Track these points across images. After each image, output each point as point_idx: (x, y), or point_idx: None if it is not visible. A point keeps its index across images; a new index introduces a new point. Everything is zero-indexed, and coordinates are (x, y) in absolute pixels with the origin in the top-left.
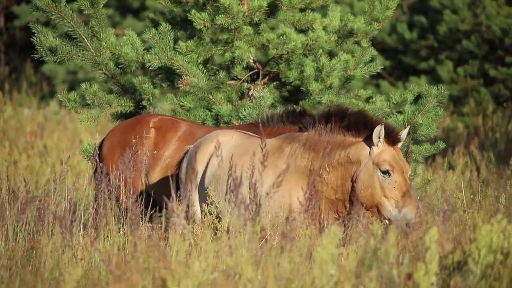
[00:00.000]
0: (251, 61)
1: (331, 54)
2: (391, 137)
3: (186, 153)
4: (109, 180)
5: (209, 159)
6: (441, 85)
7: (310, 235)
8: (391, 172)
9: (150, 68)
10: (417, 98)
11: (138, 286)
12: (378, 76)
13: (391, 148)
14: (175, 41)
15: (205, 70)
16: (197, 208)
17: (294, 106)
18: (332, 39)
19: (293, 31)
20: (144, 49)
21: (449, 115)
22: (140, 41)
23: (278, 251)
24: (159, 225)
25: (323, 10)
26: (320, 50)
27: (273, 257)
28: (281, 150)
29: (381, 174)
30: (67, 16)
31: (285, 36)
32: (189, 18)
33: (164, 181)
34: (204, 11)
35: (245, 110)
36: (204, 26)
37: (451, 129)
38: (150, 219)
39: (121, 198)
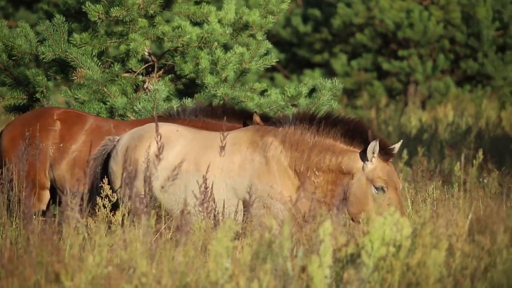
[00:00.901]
0: (146, 53)
1: (226, 47)
2: (385, 153)
3: (104, 145)
4: (1, 173)
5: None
6: (335, 78)
7: (205, 228)
8: (385, 188)
9: (44, 60)
10: (312, 91)
11: (30, 281)
12: (273, 69)
13: (385, 164)
14: (70, 33)
15: (99, 63)
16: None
17: (210, 99)
18: (227, 32)
19: (188, 24)
20: (38, 41)
21: (343, 108)
22: (33, 33)
23: (173, 245)
24: (53, 219)
25: (219, 3)
26: (215, 43)
27: (167, 250)
28: (255, 144)
29: (375, 190)
30: None
31: (180, 28)
32: (83, 10)
33: (71, 174)
34: (98, 3)
35: (139, 103)
36: (99, 18)
37: None
38: (43, 213)
39: (13, 191)
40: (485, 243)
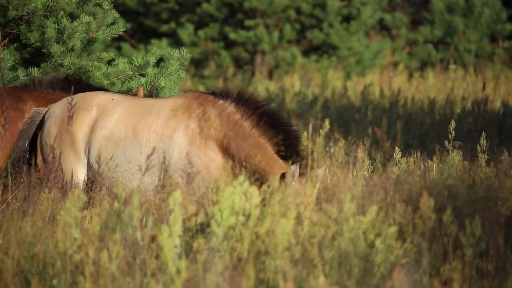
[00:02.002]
0: None
1: (73, 16)
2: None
3: (31, 117)
4: None
5: (94, 124)
6: (182, 48)
7: (53, 198)
8: None
9: None
10: (160, 61)
11: None
12: (120, 38)
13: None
14: None
15: None
16: (80, 176)
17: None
18: (73, 0)
19: None
20: None
21: (190, 78)
22: None
23: (20, 215)
24: None
25: None
26: (62, 12)
27: (15, 221)
28: (191, 110)
29: None
30: None
31: None
32: None
33: None
34: None
35: None
36: None
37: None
38: None
39: None
40: (332, 212)
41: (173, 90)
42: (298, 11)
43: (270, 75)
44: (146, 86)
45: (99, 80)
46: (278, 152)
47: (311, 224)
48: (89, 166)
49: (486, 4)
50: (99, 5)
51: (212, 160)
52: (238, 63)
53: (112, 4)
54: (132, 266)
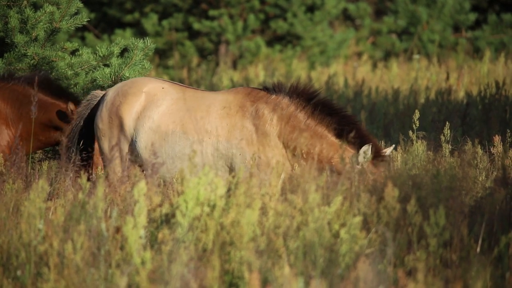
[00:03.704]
0: None
1: (36, 6)
2: (377, 158)
3: (89, 99)
4: None
5: (141, 111)
6: (146, 38)
7: (17, 189)
8: None
9: None
10: (124, 51)
11: None
12: (83, 28)
13: (376, 170)
14: None
15: None
16: (117, 161)
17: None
18: None
19: None
20: None
21: (155, 68)
22: None
23: None
24: None
25: None
26: (25, 2)
27: None
28: (245, 109)
29: None
30: None
31: None
32: None
33: None
34: None
35: None
36: None
37: None
38: None
39: None
40: (297, 202)
41: None
42: (262, 1)
43: (234, 65)
44: (110, 76)
45: (63, 70)
46: (338, 138)
47: (276, 215)
48: (136, 152)
49: None
50: None
51: (271, 157)
52: (202, 53)
53: None
54: (97, 257)
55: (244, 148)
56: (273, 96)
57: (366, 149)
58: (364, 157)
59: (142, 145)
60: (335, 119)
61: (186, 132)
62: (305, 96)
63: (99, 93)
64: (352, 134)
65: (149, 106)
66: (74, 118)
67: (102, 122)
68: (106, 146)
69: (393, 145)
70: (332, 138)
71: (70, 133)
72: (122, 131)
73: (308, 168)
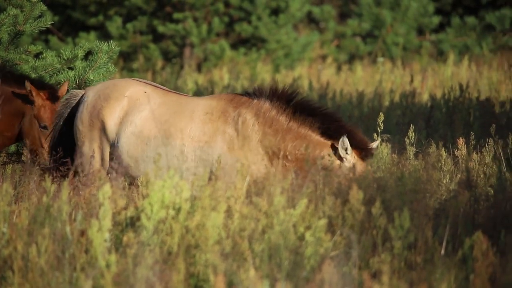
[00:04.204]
0: None
1: (0, 9)
2: (364, 153)
3: (67, 98)
4: None
5: (124, 116)
6: (111, 41)
7: None
8: None
9: None
10: (88, 54)
11: None
12: (47, 31)
13: (364, 163)
14: None
15: None
16: (97, 165)
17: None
18: None
19: None
20: None
21: (119, 71)
22: None
23: None
24: None
25: None
26: None
27: None
28: (227, 114)
29: None
30: None
31: None
32: None
33: None
34: None
35: None
36: None
37: None
38: None
39: None
40: (262, 205)
41: None
42: (227, 4)
43: (199, 68)
44: (74, 80)
45: (27, 73)
46: (322, 136)
47: (241, 218)
48: (117, 156)
49: None
50: None
51: (253, 162)
52: (167, 56)
53: None
54: (61, 261)
55: (226, 153)
56: (255, 101)
57: (341, 141)
58: (346, 150)
59: (124, 149)
60: (318, 118)
61: (169, 137)
62: (285, 99)
63: (78, 92)
64: (335, 130)
65: (132, 111)
66: (53, 119)
67: (83, 124)
68: (86, 148)
69: (379, 139)
70: (317, 137)
71: (51, 134)
72: (103, 135)
73: (273, 171)
